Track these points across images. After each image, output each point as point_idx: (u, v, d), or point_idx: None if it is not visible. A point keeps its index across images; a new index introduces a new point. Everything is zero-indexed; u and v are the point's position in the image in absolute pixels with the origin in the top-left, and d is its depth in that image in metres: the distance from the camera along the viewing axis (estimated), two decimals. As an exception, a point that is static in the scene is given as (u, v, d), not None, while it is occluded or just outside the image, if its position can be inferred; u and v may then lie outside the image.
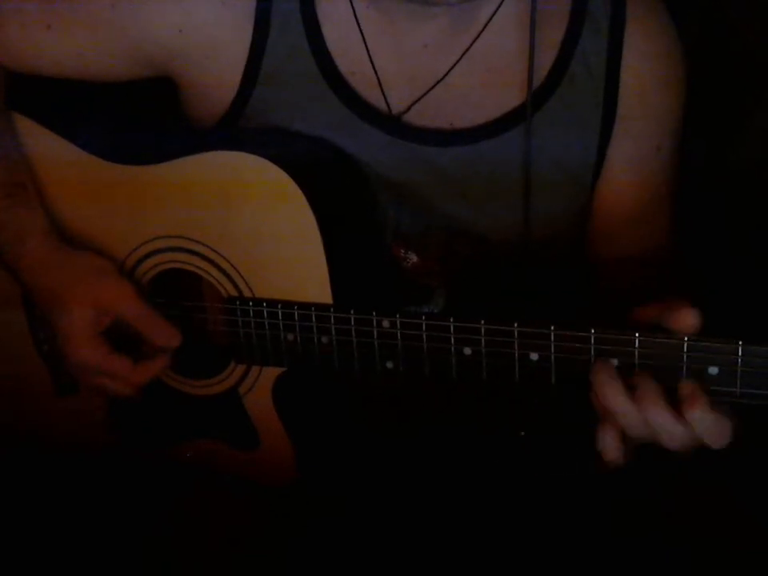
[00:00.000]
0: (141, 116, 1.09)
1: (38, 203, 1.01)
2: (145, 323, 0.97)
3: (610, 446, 0.82)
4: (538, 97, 0.99)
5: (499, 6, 0.96)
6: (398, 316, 0.89)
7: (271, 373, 0.98)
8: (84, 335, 0.96)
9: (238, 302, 0.96)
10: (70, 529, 1.04)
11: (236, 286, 0.97)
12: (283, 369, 0.97)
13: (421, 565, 1.02)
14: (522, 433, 1.10)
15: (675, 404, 0.79)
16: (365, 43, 0.98)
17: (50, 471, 1.07)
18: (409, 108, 1.00)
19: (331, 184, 0.98)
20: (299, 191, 0.91)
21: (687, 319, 0.78)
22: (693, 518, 1.01)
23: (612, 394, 0.80)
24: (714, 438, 0.79)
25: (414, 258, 1.05)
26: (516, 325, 0.85)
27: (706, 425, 0.78)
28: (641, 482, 0.99)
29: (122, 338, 0.98)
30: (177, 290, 1.02)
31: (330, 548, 1.03)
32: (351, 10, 0.97)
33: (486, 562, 1.02)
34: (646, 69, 1.00)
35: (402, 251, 1.04)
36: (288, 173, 0.91)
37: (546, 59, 0.98)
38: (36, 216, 1.00)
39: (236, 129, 1.01)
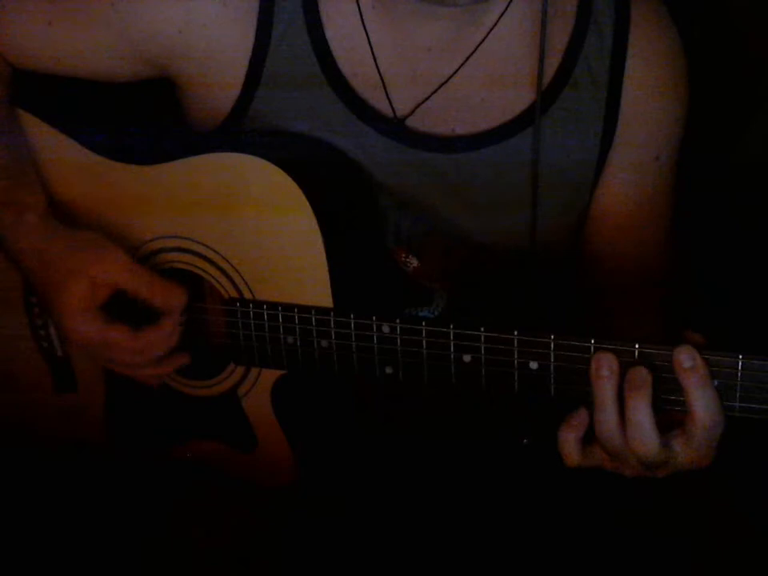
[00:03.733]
0: (145, 116, 1.08)
1: (39, 186, 1.00)
2: (145, 286, 0.92)
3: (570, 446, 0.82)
4: (541, 102, 0.98)
5: (505, 11, 0.96)
6: (398, 321, 0.89)
7: (270, 375, 0.98)
8: (80, 311, 0.91)
9: (238, 304, 0.96)
10: (69, 529, 1.04)
11: (237, 287, 0.97)
12: (282, 372, 0.97)
13: (420, 565, 1.02)
14: (525, 441, 1.10)
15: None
16: (369, 43, 0.97)
17: (49, 470, 1.08)
18: (413, 111, 0.99)
19: (333, 187, 0.98)
20: (301, 194, 0.91)
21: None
22: (693, 518, 1.02)
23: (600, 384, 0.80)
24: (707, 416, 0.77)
25: (414, 261, 1.04)
26: (516, 333, 0.85)
27: (706, 399, 0.77)
28: (640, 483, 0.99)
29: (127, 315, 0.93)
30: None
31: (328, 549, 1.03)
32: (356, 9, 0.96)
33: (486, 562, 1.02)
34: (649, 74, 1.00)
35: (403, 255, 1.04)
36: (290, 175, 0.91)
37: (549, 65, 0.98)
38: (37, 196, 0.99)
39: (239, 130, 1.01)
